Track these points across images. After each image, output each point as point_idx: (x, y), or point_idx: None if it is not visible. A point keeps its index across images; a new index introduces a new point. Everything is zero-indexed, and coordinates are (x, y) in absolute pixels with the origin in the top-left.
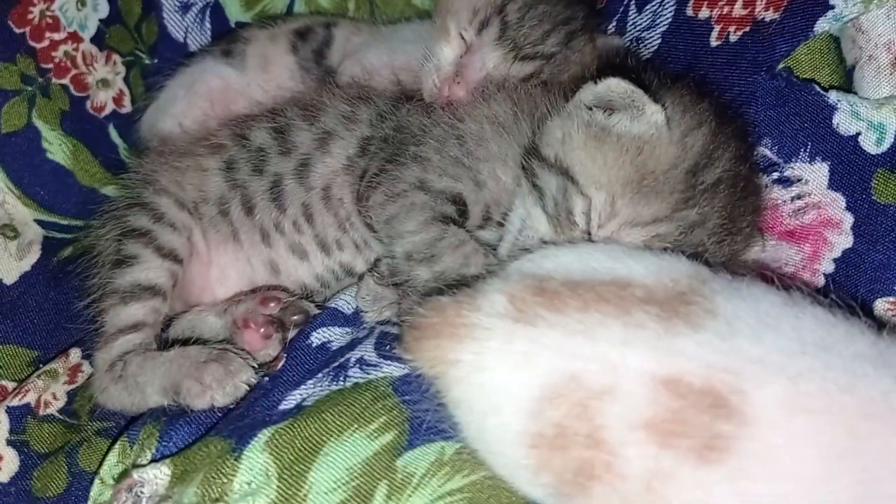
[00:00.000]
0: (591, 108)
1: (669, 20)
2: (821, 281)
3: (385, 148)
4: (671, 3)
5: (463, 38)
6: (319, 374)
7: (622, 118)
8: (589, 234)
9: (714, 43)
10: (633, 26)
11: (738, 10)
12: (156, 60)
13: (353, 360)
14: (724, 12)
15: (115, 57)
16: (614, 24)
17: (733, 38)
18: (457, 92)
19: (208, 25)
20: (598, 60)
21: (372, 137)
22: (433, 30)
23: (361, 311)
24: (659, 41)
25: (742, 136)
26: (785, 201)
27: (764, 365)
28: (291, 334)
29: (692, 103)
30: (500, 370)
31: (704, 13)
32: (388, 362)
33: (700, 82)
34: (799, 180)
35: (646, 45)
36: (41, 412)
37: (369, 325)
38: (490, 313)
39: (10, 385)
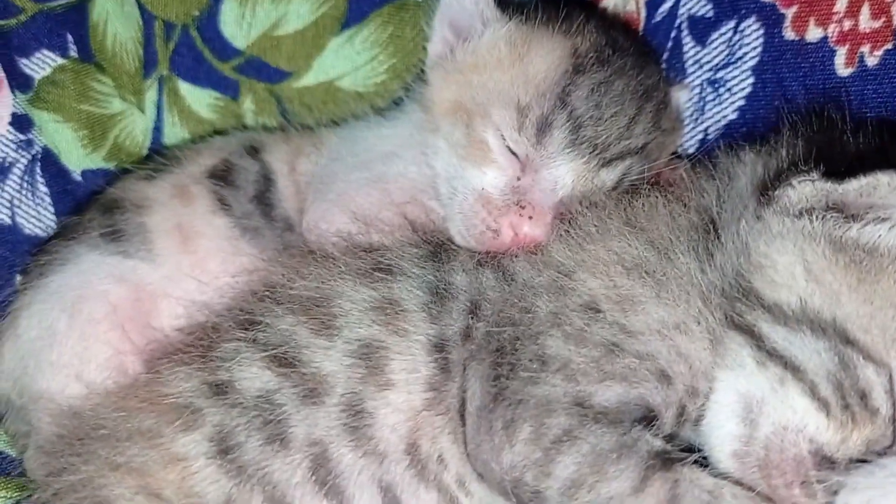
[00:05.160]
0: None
1: (760, 50)
2: None
3: (476, 352)
4: (755, 28)
5: (513, 151)
6: None
7: (880, 227)
8: None
9: (843, 71)
10: (696, 65)
11: (868, 23)
12: None
13: None
14: (846, 28)
15: None
16: (663, 64)
17: (871, 60)
18: (531, 232)
19: (43, 189)
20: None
21: (445, 337)
22: (434, 133)
23: None
24: (752, 80)
25: None
26: None
27: None
28: None
29: None
30: None
31: (815, 33)
32: None
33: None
34: None
35: (729, 90)
36: None
37: None
38: None
39: None
